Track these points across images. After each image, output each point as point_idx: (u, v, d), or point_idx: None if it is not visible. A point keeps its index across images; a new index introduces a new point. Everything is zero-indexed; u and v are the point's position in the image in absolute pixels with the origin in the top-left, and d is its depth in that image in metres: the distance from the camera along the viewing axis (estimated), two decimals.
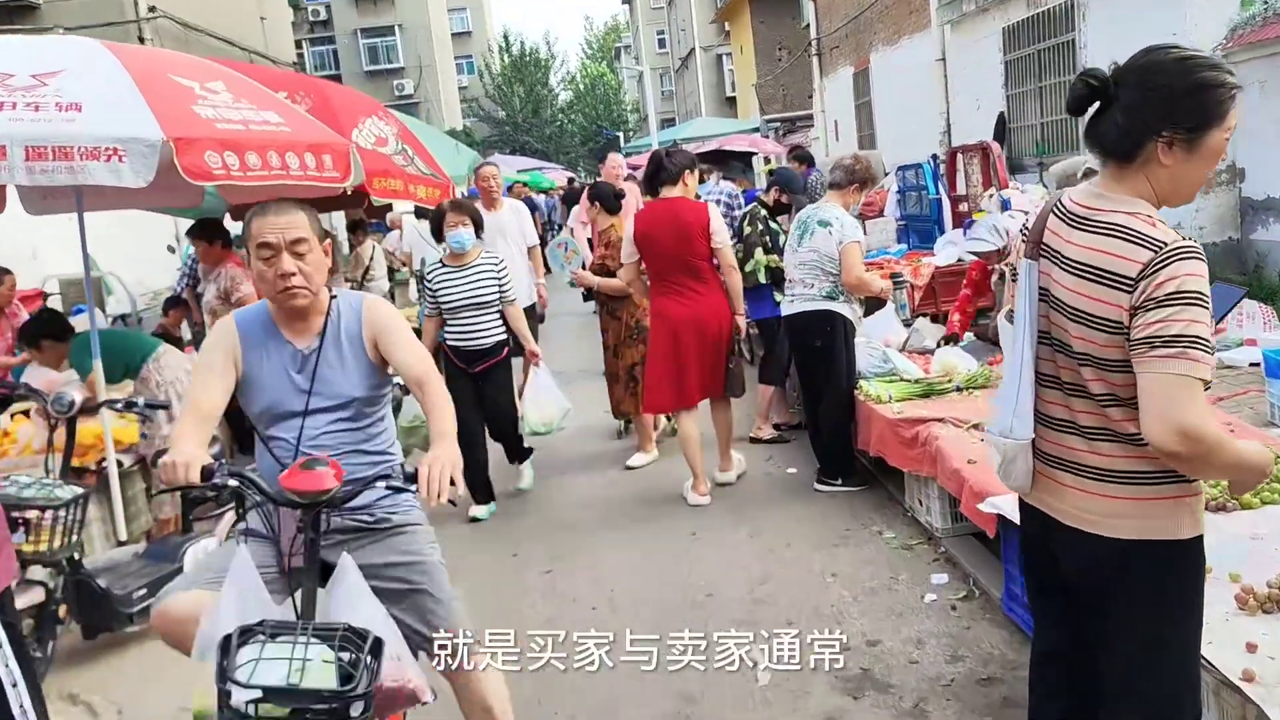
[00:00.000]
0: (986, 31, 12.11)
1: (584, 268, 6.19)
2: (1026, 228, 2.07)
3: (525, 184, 19.90)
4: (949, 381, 4.80)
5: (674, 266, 4.93)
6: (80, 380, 4.81)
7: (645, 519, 4.98)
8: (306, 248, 2.40)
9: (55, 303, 8.77)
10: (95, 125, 3.60)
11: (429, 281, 5.07)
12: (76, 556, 3.70)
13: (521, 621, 3.90)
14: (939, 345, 5.60)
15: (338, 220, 10.97)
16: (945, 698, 3.06)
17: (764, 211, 6.03)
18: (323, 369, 2.46)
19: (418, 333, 5.11)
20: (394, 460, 2.56)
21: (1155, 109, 1.77)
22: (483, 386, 5.09)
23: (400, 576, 2.46)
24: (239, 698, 1.90)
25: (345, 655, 1.98)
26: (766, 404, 6.08)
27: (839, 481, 5.03)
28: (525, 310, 6.25)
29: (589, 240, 6.85)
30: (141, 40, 12.13)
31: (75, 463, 4.75)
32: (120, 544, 4.57)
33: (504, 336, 5.10)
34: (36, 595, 3.56)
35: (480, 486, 5.18)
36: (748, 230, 5.93)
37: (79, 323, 7.79)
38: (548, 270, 6.77)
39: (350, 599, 2.17)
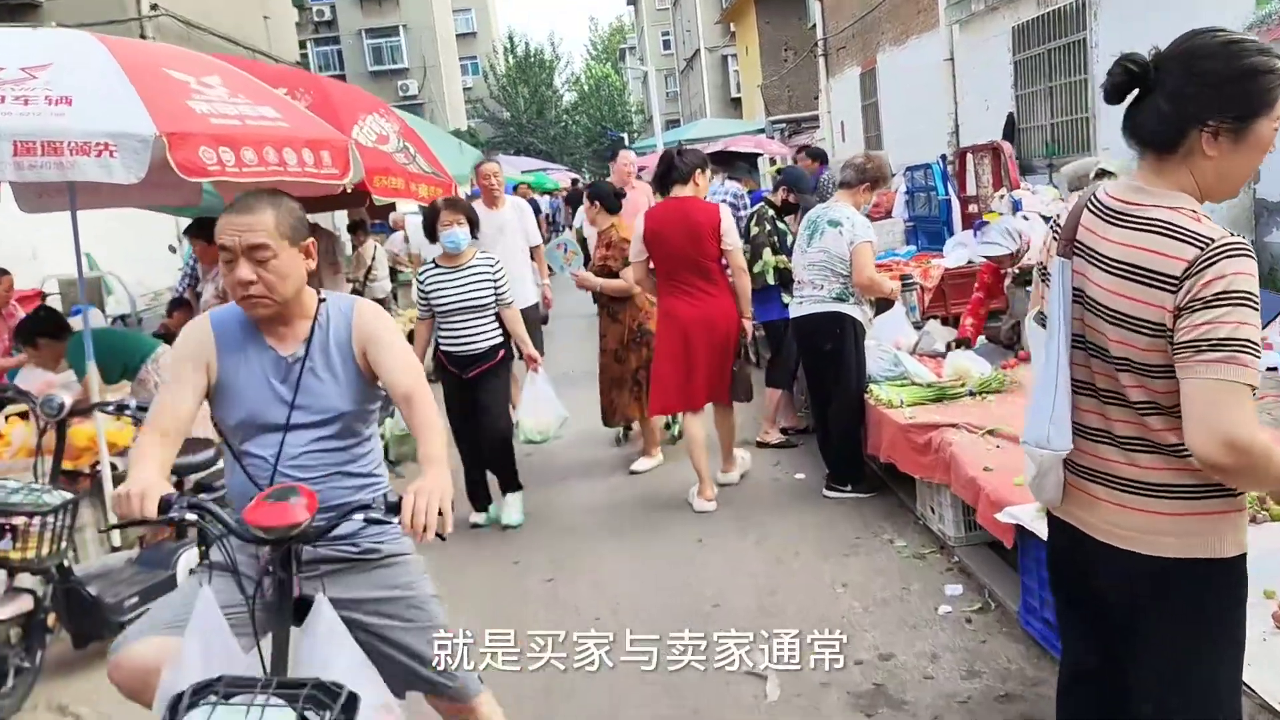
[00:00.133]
0: (996, 31, 11.99)
1: (585, 267, 6.05)
2: (1058, 224, 1.95)
3: (529, 185, 19.81)
4: (962, 386, 4.68)
5: (683, 266, 4.88)
6: (78, 380, 4.72)
7: (650, 525, 4.87)
8: (268, 254, 2.11)
9: (55, 303, 8.68)
10: (86, 119, 3.50)
11: (421, 283, 4.89)
12: (66, 564, 3.60)
13: (520, 635, 3.80)
14: (948, 348, 5.48)
15: (340, 220, 10.87)
16: (962, 715, 2.95)
17: (771, 211, 5.92)
18: (308, 379, 2.22)
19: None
20: (380, 484, 2.34)
21: (1200, 96, 1.66)
22: (475, 393, 4.84)
23: (389, 613, 2.27)
24: None
25: (312, 717, 1.72)
26: (774, 408, 5.97)
27: (848, 488, 4.91)
28: (528, 311, 6.14)
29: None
30: (144, 38, 12.05)
31: (69, 465, 4.66)
32: (114, 549, 4.47)
33: (499, 340, 4.85)
34: (24, 604, 3.46)
35: (479, 491, 5.05)
36: (755, 230, 5.83)
37: (79, 323, 7.75)
38: (551, 271, 6.62)
39: (325, 645, 1.98)
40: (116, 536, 4.48)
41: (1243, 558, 1.76)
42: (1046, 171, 10.36)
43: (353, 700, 1.77)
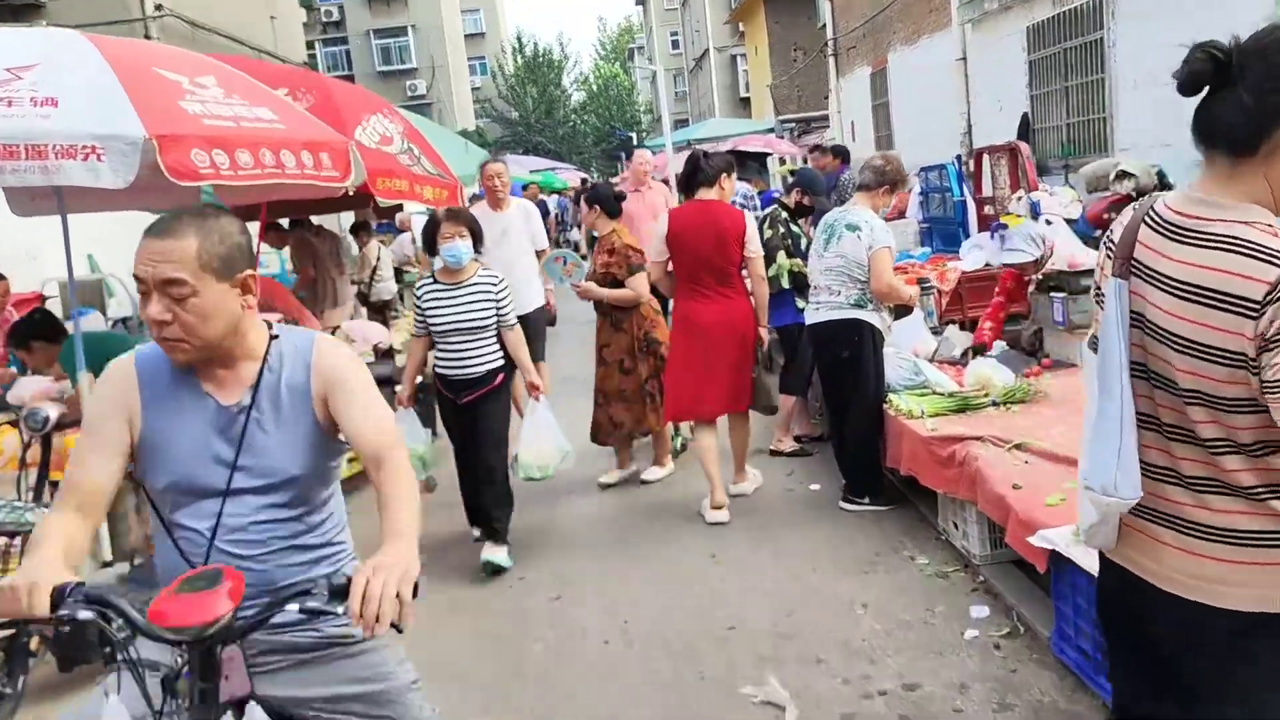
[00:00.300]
0: (1010, 30, 11.79)
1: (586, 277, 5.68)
2: (1112, 241, 1.77)
3: (539, 184, 19.69)
4: (985, 396, 4.51)
5: (704, 270, 4.82)
6: (74, 386, 4.59)
7: (661, 539, 4.70)
8: (185, 290, 1.72)
9: (55, 305, 8.55)
10: (72, 122, 3.36)
11: (418, 298, 4.50)
12: None
13: (525, 657, 3.65)
14: (963, 355, 5.30)
15: (344, 221, 10.74)
16: None
17: (785, 214, 5.75)
18: (254, 433, 1.83)
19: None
20: (341, 555, 1.98)
21: None
22: (470, 420, 4.44)
23: (359, 712, 1.91)
24: None
25: None
26: (787, 415, 5.80)
27: (866, 500, 4.74)
28: (534, 314, 5.95)
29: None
30: (148, 38, 11.93)
31: (58, 477, 4.53)
32: (105, 565, 4.33)
33: (498, 364, 4.43)
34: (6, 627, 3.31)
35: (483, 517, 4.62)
36: (768, 233, 5.65)
37: (82, 324, 7.62)
38: (561, 280, 6.38)
39: None
40: (108, 551, 4.34)
41: None
42: (1062, 172, 10.17)
43: None
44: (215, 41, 13.42)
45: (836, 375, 4.81)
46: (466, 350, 4.38)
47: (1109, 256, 1.78)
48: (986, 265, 6.73)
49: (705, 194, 4.85)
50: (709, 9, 34.92)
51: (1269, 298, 1.42)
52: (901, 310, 5.21)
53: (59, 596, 1.59)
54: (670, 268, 4.95)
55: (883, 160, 4.77)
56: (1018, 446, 3.84)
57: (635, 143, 34.05)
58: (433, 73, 40.05)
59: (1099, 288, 1.82)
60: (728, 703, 3.17)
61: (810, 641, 3.51)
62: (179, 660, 1.61)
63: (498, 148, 33.97)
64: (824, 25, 20.92)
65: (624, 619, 3.86)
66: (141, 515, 4.67)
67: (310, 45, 30.82)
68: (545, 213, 14.76)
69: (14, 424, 4.82)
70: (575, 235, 19.34)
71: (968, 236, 8.24)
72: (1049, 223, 5.28)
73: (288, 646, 1.89)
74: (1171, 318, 1.56)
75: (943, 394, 4.60)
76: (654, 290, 5.30)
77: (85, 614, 1.59)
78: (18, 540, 3.20)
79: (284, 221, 8.32)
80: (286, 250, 8.39)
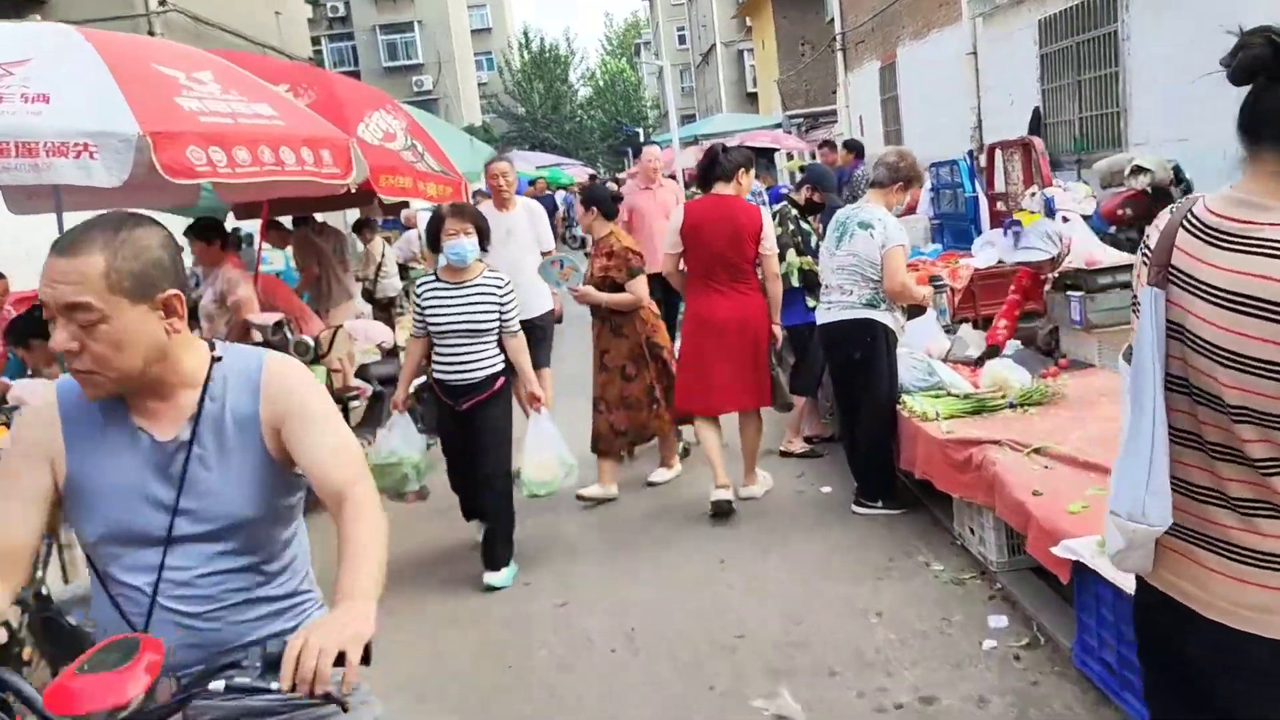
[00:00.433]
0: (1021, 24, 11.65)
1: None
2: (1148, 247, 1.66)
3: (545, 180, 19.61)
4: (1002, 397, 4.39)
5: (718, 265, 4.78)
6: None
7: (668, 542, 4.61)
8: (92, 316, 1.49)
9: None
10: (64, 118, 3.27)
11: (418, 296, 4.31)
12: (44, 591, 3.36)
13: (530, 665, 3.56)
14: (979, 358, 5.17)
15: (348, 217, 10.66)
16: None
17: (795, 211, 5.65)
18: (196, 472, 1.60)
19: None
20: (308, 604, 1.76)
21: None
22: (469, 428, 4.24)
23: None
24: None
25: None
26: (798, 415, 5.69)
27: (878, 504, 4.64)
28: (542, 318, 5.82)
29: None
30: (151, 34, 11.85)
31: None
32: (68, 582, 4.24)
33: (499, 369, 4.24)
34: None
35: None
36: (778, 231, 5.53)
37: None
38: (557, 284, 6.11)
39: None
40: (83, 563, 4.25)
41: None
42: (1075, 168, 10.04)
43: None
44: (219, 37, 13.34)
45: (848, 376, 4.71)
46: (466, 353, 4.20)
47: (1145, 263, 1.66)
48: (1000, 262, 6.61)
49: (722, 188, 4.83)
50: (716, 3, 34.74)
51: None
52: (914, 310, 5.10)
53: None
54: (683, 264, 4.90)
55: (897, 156, 4.66)
56: (1037, 451, 3.73)
57: (642, 138, 33.92)
58: (439, 68, 39.98)
59: (1135, 297, 1.71)
60: (738, 716, 3.08)
61: (822, 651, 3.41)
62: None
63: (504, 143, 33.87)
64: (832, 19, 20.78)
65: (630, 626, 3.77)
66: None
67: (316, 41, 30.77)
68: (553, 208, 14.64)
69: (7, 425, 4.76)
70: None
71: (979, 233, 8.12)
72: (1066, 219, 5.16)
73: (242, 712, 1.65)
74: (1215, 329, 1.45)
75: (958, 395, 4.49)
76: (653, 293, 5.21)
77: None
78: None
79: (287, 220, 8.24)
80: (290, 249, 8.30)
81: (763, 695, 3.15)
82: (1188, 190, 6.82)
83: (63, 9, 11.30)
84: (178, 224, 5.80)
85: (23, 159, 3.17)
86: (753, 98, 33.75)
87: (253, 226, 8.60)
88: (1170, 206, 1.70)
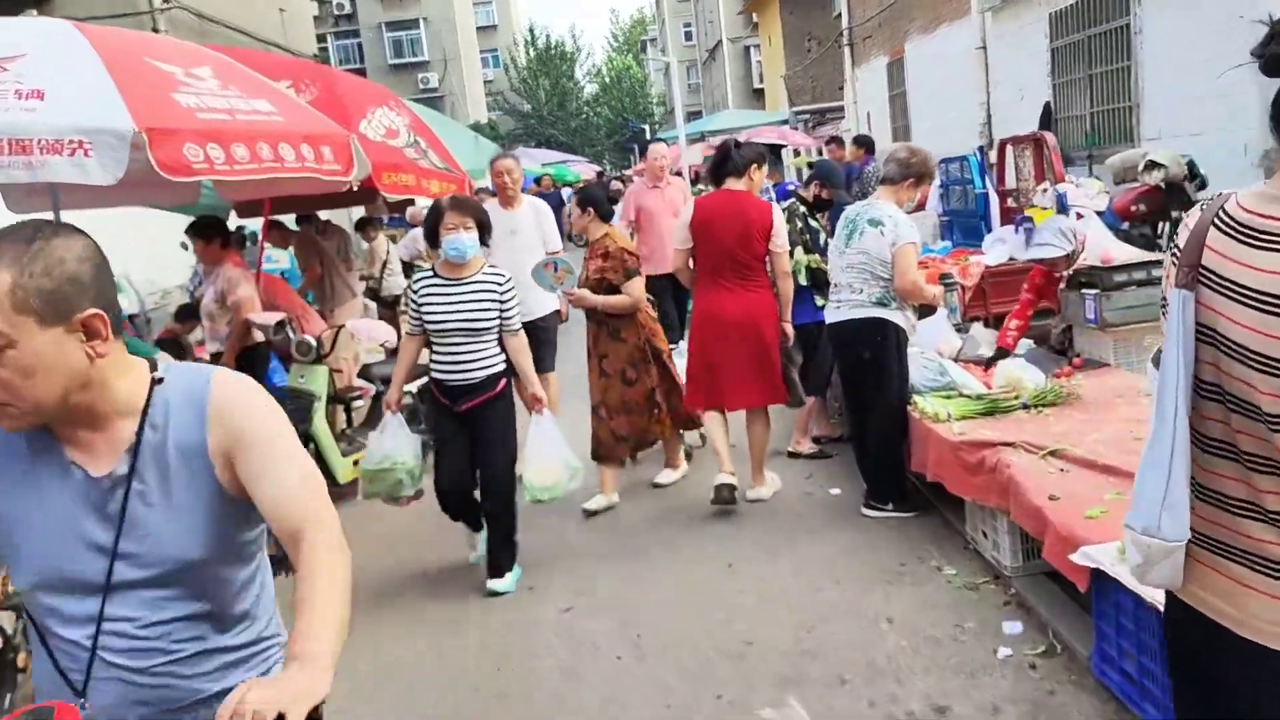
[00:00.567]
0: (1032, 18, 11.55)
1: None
2: (1178, 247, 1.58)
3: (551, 176, 19.54)
4: (1015, 398, 4.31)
5: (726, 261, 4.73)
6: None
7: (676, 545, 4.53)
8: None
9: None
10: (58, 115, 3.20)
11: (414, 292, 4.14)
12: None
13: (534, 673, 3.49)
14: (991, 359, 5.08)
15: (353, 215, 10.60)
16: None
17: (803, 208, 5.56)
18: (137, 510, 1.42)
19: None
20: (272, 650, 1.60)
21: None
22: (471, 430, 4.11)
23: None
24: None
25: None
26: (806, 415, 5.61)
27: (889, 506, 4.55)
28: (548, 318, 5.71)
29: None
30: (155, 31, 11.80)
31: None
32: None
33: (500, 369, 4.10)
34: None
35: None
36: (786, 228, 5.46)
37: None
38: (551, 288, 5.54)
39: None
40: None
41: None
42: (1086, 163, 9.94)
43: None
44: (224, 34, 13.30)
45: (858, 376, 4.62)
46: (465, 353, 4.05)
47: (1174, 263, 1.58)
48: (1011, 259, 6.53)
49: (733, 184, 4.78)
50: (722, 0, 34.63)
51: None
52: (925, 309, 5.01)
53: None
54: (692, 263, 4.86)
55: (908, 152, 4.57)
56: (1052, 453, 3.64)
57: (648, 135, 33.81)
58: (445, 65, 39.95)
59: (1165, 298, 1.63)
60: None
61: (833, 659, 3.33)
62: None
63: (510, 141, 33.78)
64: (839, 14, 20.65)
65: (637, 632, 3.70)
66: None
67: (322, 39, 30.77)
68: (560, 203, 14.55)
69: None
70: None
71: (989, 230, 8.04)
72: (1080, 216, 5.06)
73: None
74: (1251, 333, 1.37)
75: (970, 396, 4.41)
76: (665, 293, 5.12)
77: None
78: None
79: (289, 219, 8.19)
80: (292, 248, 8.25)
81: (771, 704, 3.08)
82: (1203, 186, 6.72)
83: (67, 6, 11.26)
84: (179, 222, 5.74)
85: (16, 156, 3.10)
86: (759, 94, 33.64)
87: (257, 225, 8.54)
88: (1201, 203, 1.61)
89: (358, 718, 3.31)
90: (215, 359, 5.62)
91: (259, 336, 5.49)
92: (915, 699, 3.04)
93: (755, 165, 4.81)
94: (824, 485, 5.12)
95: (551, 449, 4.20)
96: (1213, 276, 1.44)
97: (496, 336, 4.09)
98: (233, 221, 7.61)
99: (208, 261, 5.73)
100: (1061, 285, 4.99)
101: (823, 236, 5.47)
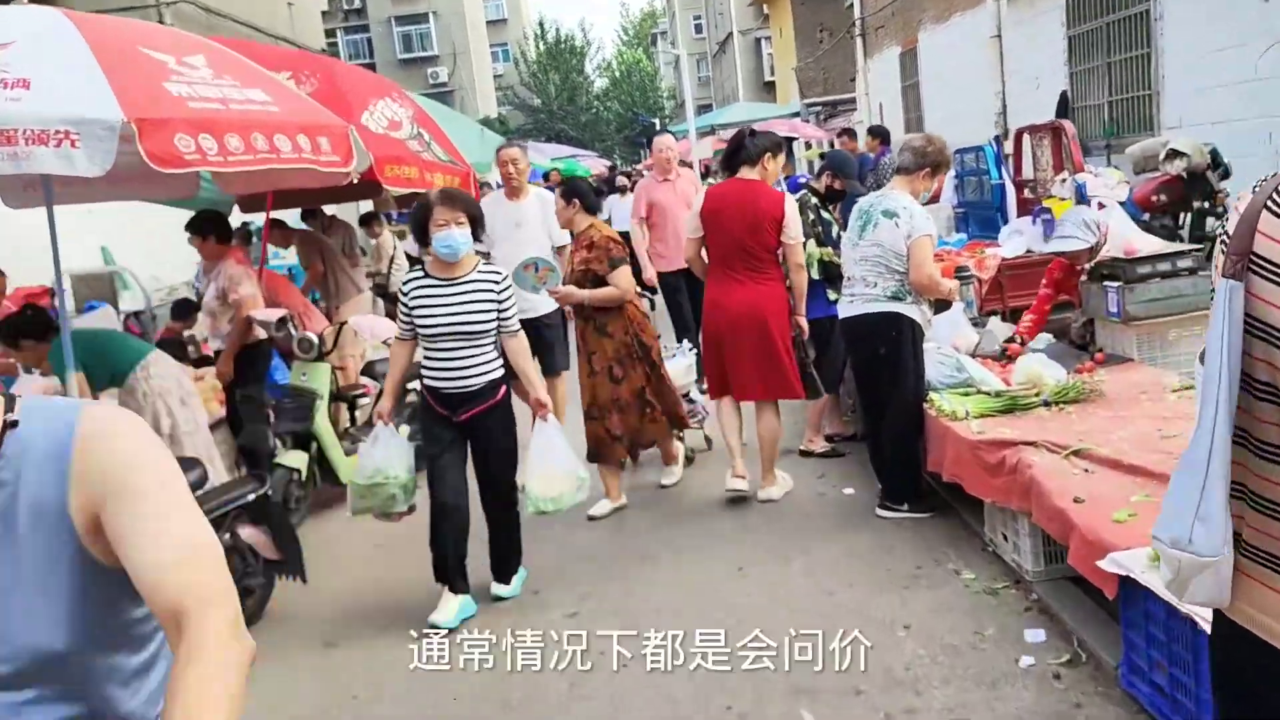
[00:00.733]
0: (1048, 5, 11.33)
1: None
2: (1227, 235, 1.44)
3: (559, 171, 19.39)
4: (1036, 395, 4.16)
5: (735, 252, 4.64)
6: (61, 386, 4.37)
7: (683, 548, 4.41)
8: None
9: (66, 299, 8.37)
10: (45, 105, 3.11)
11: (404, 294, 3.87)
12: None
13: (538, 680, 3.37)
14: (1004, 353, 4.93)
15: (361, 209, 10.49)
16: None
17: (815, 200, 5.42)
18: None
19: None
20: None
21: None
22: (471, 440, 3.89)
23: None
24: None
25: None
26: (818, 413, 5.48)
27: (904, 507, 4.42)
28: (553, 316, 5.56)
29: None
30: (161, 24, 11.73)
31: None
32: None
33: (500, 374, 3.87)
34: None
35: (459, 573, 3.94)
36: (799, 220, 5.32)
37: (92, 319, 7.42)
38: (534, 289, 5.05)
39: None
40: None
41: None
42: (1104, 153, 9.75)
43: None
44: (230, 28, 13.24)
45: (872, 373, 4.49)
46: (462, 358, 3.79)
47: (1223, 251, 1.44)
48: (1028, 252, 6.37)
49: (747, 173, 4.70)
50: None
51: None
52: (941, 304, 4.87)
53: None
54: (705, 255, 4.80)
55: (924, 140, 4.42)
56: (1076, 453, 3.50)
57: (658, 129, 33.64)
58: (454, 60, 39.86)
59: (1214, 290, 1.49)
60: None
61: (848, 668, 3.19)
62: None
63: (519, 135, 33.70)
64: (851, 4, 20.43)
65: (644, 639, 3.55)
66: None
67: (331, 33, 30.71)
68: None
69: None
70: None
71: (1005, 221, 7.89)
72: (1102, 206, 4.91)
73: None
74: None
75: (988, 393, 4.26)
76: (678, 287, 5.01)
77: None
78: None
79: (291, 219, 8.09)
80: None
81: (783, 716, 2.96)
82: (1226, 175, 6.54)
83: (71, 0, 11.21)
84: (185, 217, 5.64)
85: (1, 147, 3.00)
86: (770, 86, 33.41)
87: (263, 220, 8.46)
88: (1254, 185, 1.48)
89: None
90: (217, 357, 5.54)
91: (261, 334, 5.39)
92: (934, 712, 2.92)
93: (769, 154, 4.70)
94: (837, 485, 4.99)
95: (556, 458, 3.95)
96: (1266, 265, 1.31)
97: (495, 339, 3.86)
98: (238, 217, 7.53)
99: (207, 258, 5.64)
100: (1082, 278, 4.84)
101: (835, 228, 5.34)
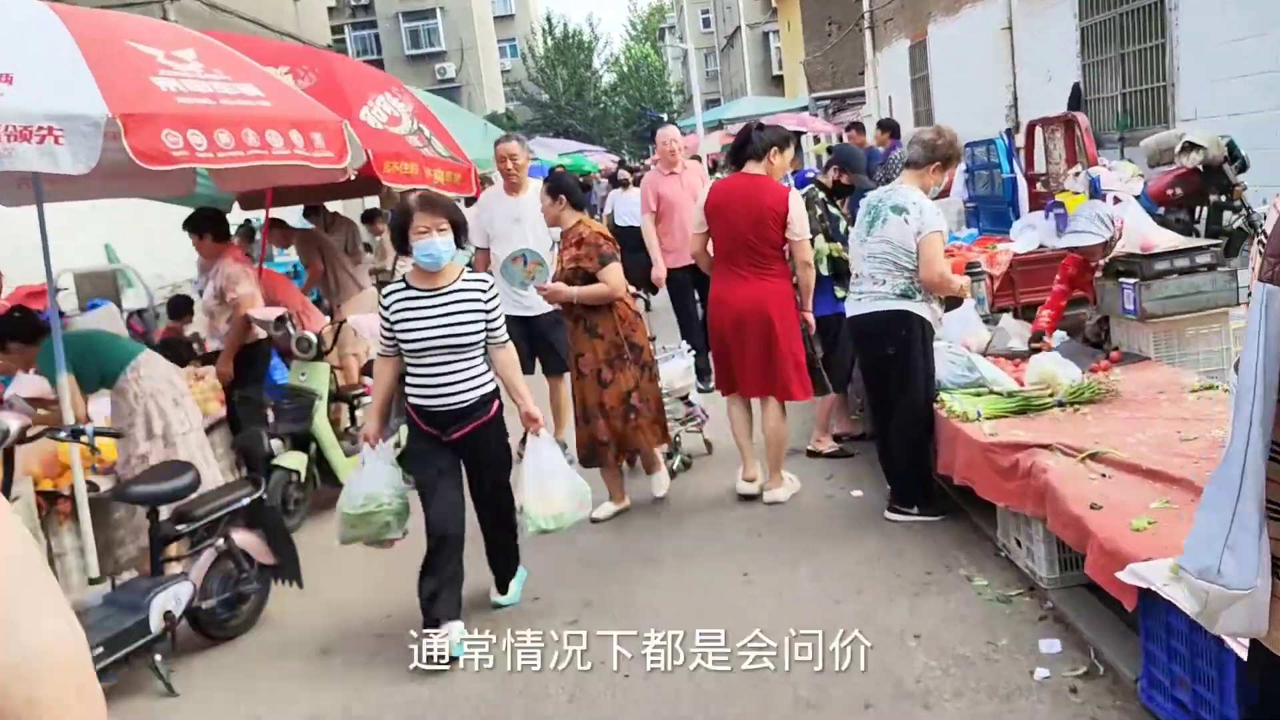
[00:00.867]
0: None
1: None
2: (1265, 235, 1.33)
3: (565, 168, 19.29)
4: (1050, 395, 4.04)
5: (739, 248, 4.57)
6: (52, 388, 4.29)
7: (687, 553, 4.31)
8: None
9: (69, 297, 8.32)
10: (27, 100, 3.02)
11: (385, 308, 3.62)
12: None
13: (538, 689, 3.28)
14: (1032, 349, 4.78)
15: (366, 205, 10.40)
16: None
17: (822, 194, 5.30)
18: None
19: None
20: None
21: None
22: (465, 459, 3.67)
23: None
24: None
25: None
26: (826, 412, 5.37)
27: (914, 510, 4.31)
28: (554, 315, 5.43)
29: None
30: (165, 21, 11.65)
31: (49, 486, 4.25)
32: (92, 582, 4.03)
33: (492, 388, 3.63)
34: None
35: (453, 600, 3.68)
36: (805, 215, 5.20)
37: (95, 317, 7.36)
38: (523, 284, 4.92)
39: None
40: (94, 567, 4.04)
41: None
42: (1118, 146, 9.60)
43: None
44: (235, 24, 13.14)
45: (881, 372, 4.38)
46: (449, 374, 3.55)
47: (1260, 252, 1.33)
48: (1041, 247, 6.24)
49: (753, 168, 4.63)
50: None
51: None
52: (952, 301, 4.75)
53: None
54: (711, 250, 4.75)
55: (934, 133, 4.29)
56: (1092, 456, 3.38)
57: (667, 122, 33.46)
58: (462, 55, 39.78)
59: (1250, 293, 1.38)
60: None
61: (856, 681, 3.10)
62: None
63: (527, 130, 33.53)
64: None
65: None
66: (133, 525, 4.37)
67: (339, 29, 30.67)
68: (586, 189, 14.35)
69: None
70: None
71: (1017, 216, 7.74)
72: (1117, 200, 4.77)
73: None
74: None
75: (1001, 393, 4.15)
76: (684, 285, 4.90)
77: None
78: None
79: (290, 217, 8.00)
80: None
81: None
82: (1243, 168, 6.39)
83: None
84: (182, 213, 5.55)
85: None
86: (778, 80, 33.25)
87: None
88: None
89: None
90: (216, 356, 5.46)
91: (259, 334, 5.30)
92: None
93: (776, 149, 4.61)
94: (845, 487, 4.88)
95: (554, 473, 3.74)
96: None
97: (483, 351, 3.63)
98: (238, 214, 7.44)
99: (205, 257, 5.56)
100: (1096, 274, 4.71)
101: (843, 224, 5.22)
